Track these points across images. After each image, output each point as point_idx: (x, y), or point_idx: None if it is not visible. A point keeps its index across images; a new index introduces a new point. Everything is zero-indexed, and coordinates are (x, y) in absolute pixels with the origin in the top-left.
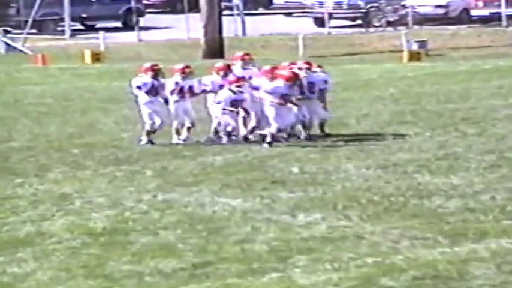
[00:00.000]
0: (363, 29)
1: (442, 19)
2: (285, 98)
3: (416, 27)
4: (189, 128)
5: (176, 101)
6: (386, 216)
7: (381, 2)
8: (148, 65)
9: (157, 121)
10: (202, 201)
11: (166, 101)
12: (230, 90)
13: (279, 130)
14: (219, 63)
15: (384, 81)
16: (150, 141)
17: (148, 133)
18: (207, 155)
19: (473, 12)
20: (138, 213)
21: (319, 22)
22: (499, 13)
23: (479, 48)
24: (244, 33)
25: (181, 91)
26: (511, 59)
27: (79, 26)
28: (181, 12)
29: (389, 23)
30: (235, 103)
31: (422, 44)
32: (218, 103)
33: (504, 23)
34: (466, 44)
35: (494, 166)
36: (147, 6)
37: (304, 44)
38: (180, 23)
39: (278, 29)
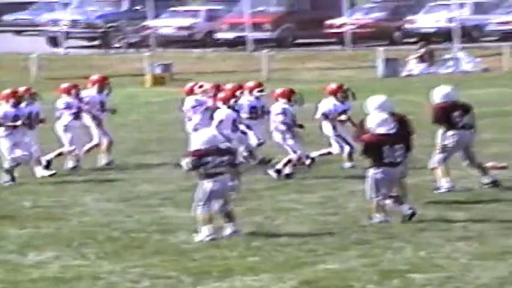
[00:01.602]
0: (102, 50)
1: (187, 41)
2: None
3: (159, 49)
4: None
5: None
6: (126, 253)
7: (121, 21)
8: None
9: (18, 153)
10: None
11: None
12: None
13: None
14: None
15: (127, 106)
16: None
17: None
18: None
19: (218, 35)
20: None
21: (54, 41)
22: (244, 37)
23: (225, 73)
24: None
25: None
26: None
27: None
28: None
29: (130, 45)
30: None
31: (166, 67)
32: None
33: (250, 47)
34: (212, 68)
35: (242, 199)
36: None
37: (39, 65)
38: None
39: (8, 48)
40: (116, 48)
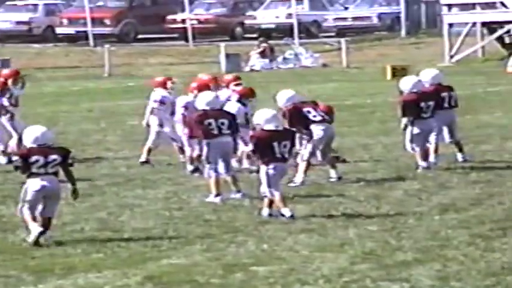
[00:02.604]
0: None
1: (26, 36)
2: None
3: None
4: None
5: None
6: None
7: None
8: None
9: None
10: None
11: None
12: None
13: None
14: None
15: None
16: None
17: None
18: None
19: (58, 30)
20: None
21: None
22: (85, 32)
23: (67, 69)
24: None
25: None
26: (100, 80)
27: None
28: None
29: None
30: None
31: (4, 62)
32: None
33: (91, 42)
34: (53, 63)
35: (85, 195)
36: None
37: None
38: None
39: None
40: None
